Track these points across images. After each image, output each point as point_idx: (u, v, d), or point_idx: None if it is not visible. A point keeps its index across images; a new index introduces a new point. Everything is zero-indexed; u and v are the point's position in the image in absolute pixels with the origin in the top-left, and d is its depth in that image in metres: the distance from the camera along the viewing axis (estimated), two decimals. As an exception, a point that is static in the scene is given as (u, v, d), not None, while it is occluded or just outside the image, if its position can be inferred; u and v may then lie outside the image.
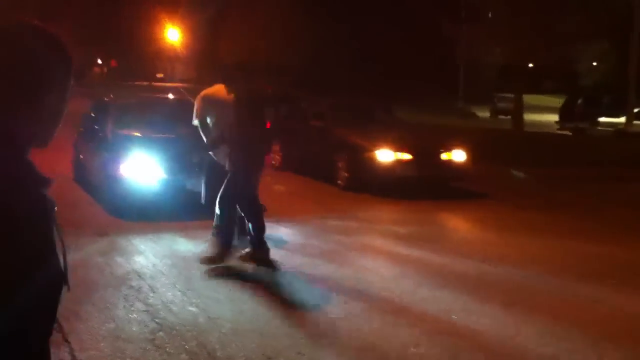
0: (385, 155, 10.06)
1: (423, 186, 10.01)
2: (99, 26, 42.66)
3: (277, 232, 7.27)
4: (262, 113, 6.68)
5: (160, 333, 4.38)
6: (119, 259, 6.01)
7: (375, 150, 10.10)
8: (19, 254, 1.06)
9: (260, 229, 6.13)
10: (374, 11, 37.81)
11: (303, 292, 5.43)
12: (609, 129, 23.70)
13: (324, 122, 11.55)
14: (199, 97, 6.84)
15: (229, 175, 6.14)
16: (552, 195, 10.86)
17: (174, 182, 8.05)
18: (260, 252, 6.10)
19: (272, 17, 31.43)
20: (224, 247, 6.15)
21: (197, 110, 6.77)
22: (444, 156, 10.46)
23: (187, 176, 8.04)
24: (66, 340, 4.22)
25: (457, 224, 8.82)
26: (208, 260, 6.03)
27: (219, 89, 6.67)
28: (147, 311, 4.79)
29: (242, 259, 6.17)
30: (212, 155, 6.79)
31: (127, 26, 41.30)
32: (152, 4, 39.47)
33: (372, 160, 10.09)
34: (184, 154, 8.22)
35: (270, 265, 6.05)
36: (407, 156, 10.11)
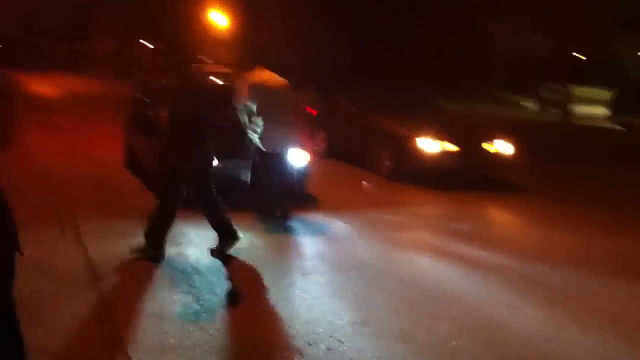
0: (429, 145, 9.97)
1: (466, 177, 9.91)
2: (143, 8, 43.05)
3: (333, 225, 7.28)
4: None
5: (204, 314, 4.45)
6: (170, 249, 6.03)
7: (418, 139, 10.02)
8: None
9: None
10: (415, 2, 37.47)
11: (344, 281, 5.43)
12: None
13: (369, 111, 11.47)
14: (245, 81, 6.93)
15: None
16: (596, 191, 10.66)
17: (225, 168, 7.70)
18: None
19: (313, 9, 31.33)
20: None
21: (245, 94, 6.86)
22: (489, 147, 10.32)
23: (236, 163, 7.71)
24: (111, 318, 4.32)
25: (503, 219, 8.70)
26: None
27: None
28: (190, 293, 4.87)
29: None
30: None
31: (171, 7, 41.56)
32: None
33: (415, 150, 10.02)
34: (234, 138, 7.89)
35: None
36: (451, 146, 10.01)
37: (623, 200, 10.01)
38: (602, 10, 22.35)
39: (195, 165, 5.70)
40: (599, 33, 23.38)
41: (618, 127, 24.17)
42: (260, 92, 6.98)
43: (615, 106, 25.81)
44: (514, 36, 26.49)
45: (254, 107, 7.01)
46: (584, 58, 27.41)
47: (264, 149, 7.07)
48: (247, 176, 7.61)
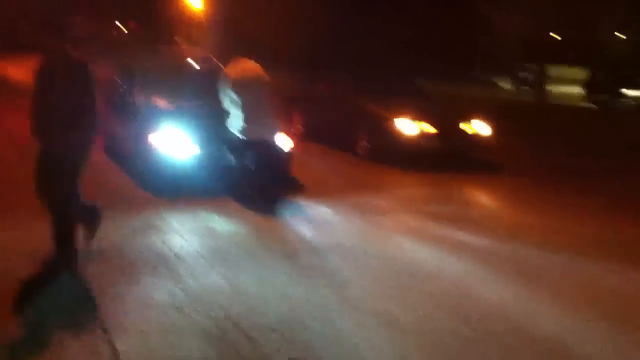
0: (406, 126, 10.03)
1: (443, 157, 9.99)
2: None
3: (314, 209, 7.31)
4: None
5: (187, 301, 4.47)
6: (149, 234, 6.05)
7: (395, 120, 10.07)
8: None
9: None
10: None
11: (325, 262, 5.48)
12: (632, 102, 23.43)
13: (346, 92, 11.51)
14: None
15: None
16: (571, 168, 10.82)
17: (207, 154, 7.66)
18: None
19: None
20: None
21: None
22: (466, 127, 10.40)
23: (220, 149, 7.68)
24: (95, 306, 4.33)
25: (481, 200, 8.70)
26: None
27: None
28: (172, 278, 4.89)
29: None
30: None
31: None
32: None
33: (392, 130, 10.07)
34: (219, 125, 7.83)
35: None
36: (428, 127, 10.07)
37: (597, 178, 10.20)
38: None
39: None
40: (578, 13, 23.47)
41: (591, 106, 24.47)
42: (240, 83, 7.08)
43: (589, 85, 26.09)
44: (497, 18, 26.48)
45: (234, 97, 7.06)
46: (559, 38, 27.57)
47: (246, 138, 7.10)
48: (231, 160, 7.60)
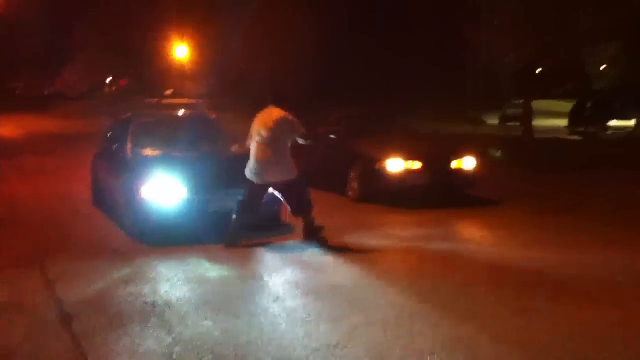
0: (395, 165, 10.07)
1: (434, 194, 10.01)
2: (109, 46, 43.06)
3: (306, 251, 7.31)
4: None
5: (177, 348, 4.42)
6: (139, 282, 6.01)
7: (385, 160, 10.11)
8: None
9: None
10: (377, 19, 37.99)
11: (320, 304, 5.43)
12: (620, 132, 23.62)
13: (333, 133, 11.58)
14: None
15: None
16: (563, 199, 10.83)
17: (198, 203, 7.66)
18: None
19: (280, 36, 31.51)
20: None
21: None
22: (455, 164, 10.45)
23: (211, 196, 7.76)
24: (84, 356, 4.28)
25: (472, 236, 8.62)
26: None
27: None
28: (162, 326, 4.84)
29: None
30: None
31: (136, 44, 41.60)
32: (160, 22, 39.79)
33: (383, 170, 10.10)
34: (208, 172, 8.05)
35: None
36: (418, 165, 10.11)
37: (585, 205, 10.23)
38: (569, 25, 22.83)
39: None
40: (566, 48, 23.82)
41: (575, 137, 24.66)
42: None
43: (573, 117, 26.34)
44: (488, 55, 26.80)
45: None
46: (539, 69, 27.92)
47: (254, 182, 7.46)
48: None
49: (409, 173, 10.07)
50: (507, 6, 23.74)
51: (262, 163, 7.42)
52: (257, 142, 7.45)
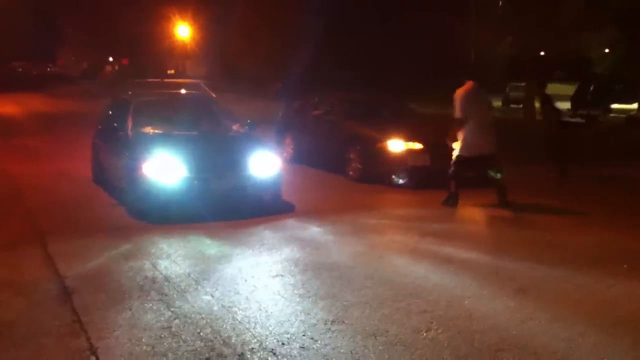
0: (397, 146, 10.08)
1: (435, 175, 10.00)
2: (110, 25, 42.90)
3: (306, 230, 7.33)
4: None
5: (176, 321, 4.46)
6: (139, 258, 6.04)
7: (386, 141, 10.12)
8: None
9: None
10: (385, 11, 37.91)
11: (318, 281, 5.46)
12: (621, 115, 23.59)
13: (335, 115, 11.59)
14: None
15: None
16: (560, 184, 10.83)
17: (198, 181, 7.70)
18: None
19: (280, 18, 31.37)
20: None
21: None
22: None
23: (211, 174, 7.81)
24: (83, 330, 4.32)
25: (472, 216, 8.66)
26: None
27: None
28: (161, 300, 4.88)
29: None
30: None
31: (138, 24, 41.42)
32: (163, 2, 39.59)
33: (384, 151, 10.12)
34: (208, 151, 8.13)
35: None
36: (419, 146, 10.12)
37: (580, 191, 10.23)
38: (568, 11, 22.78)
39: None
40: (565, 33, 23.77)
41: (577, 120, 24.61)
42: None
43: (575, 100, 26.31)
44: (486, 39, 26.74)
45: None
46: (542, 53, 27.85)
47: None
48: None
49: (411, 154, 10.07)
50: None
51: (483, 135, 8.61)
52: (477, 115, 8.54)
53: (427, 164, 10.05)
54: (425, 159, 10.07)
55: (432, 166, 10.04)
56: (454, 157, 8.82)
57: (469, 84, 8.75)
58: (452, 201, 8.71)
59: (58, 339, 4.21)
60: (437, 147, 10.26)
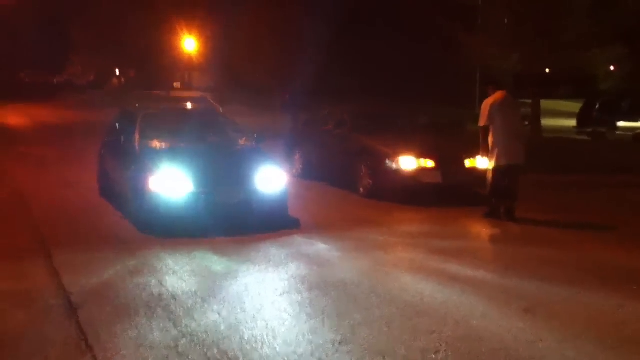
0: (408, 163, 10.00)
1: (446, 192, 9.96)
2: (118, 36, 43.09)
3: (313, 246, 7.28)
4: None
5: (183, 340, 4.42)
6: (145, 274, 6.01)
7: (397, 157, 10.04)
8: None
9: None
10: (389, 25, 38.05)
11: (325, 299, 5.41)
12: (628, 133, 23.49)
13: (345, 129, 11.53)
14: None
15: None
16: (571, 201, 10.77)
17: (205, 195, 7.67)
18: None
19: (286, 27, 31.45)
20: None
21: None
22: (467, 163, 10.34)
23: (217, 189, 7.78)
24: (89, 347, 4.28)
25: (482, 234, 8.60)
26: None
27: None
28: (168, 318, 4.84)
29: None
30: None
31: (145, 36, 41.60)
32: (169, 15, 39.76)
33: (395, 167, 10.04)
34: (214, 165, 8.10)
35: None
36: (430, 163, 10.05)
37: (592, 209, 10.14)
38: (573, 25, 22.80)
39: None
40: (568, 50, 23.75)
41: (583, 137, 24.56)
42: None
43: (581, 118, 26.23)
44: (490, 55, 26.71)
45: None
46: (547, 70, 27.86)
47: None
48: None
49: (422, 171, 10.00)
50: (502, 11, 23.81)
51: (514, 144, 8.65)
52: (505, 125, 8.54)
53: (438, 181, 9.97)
54: (437, 176, 9.98)
55: (444, 183, 9.97)
56: (489, 172, 8.81)
57: (499, 93, 8.74)
58: (496, 214, 8.83)
59: (64, 355, 4.17)
60: (450, 164, 10.19)
